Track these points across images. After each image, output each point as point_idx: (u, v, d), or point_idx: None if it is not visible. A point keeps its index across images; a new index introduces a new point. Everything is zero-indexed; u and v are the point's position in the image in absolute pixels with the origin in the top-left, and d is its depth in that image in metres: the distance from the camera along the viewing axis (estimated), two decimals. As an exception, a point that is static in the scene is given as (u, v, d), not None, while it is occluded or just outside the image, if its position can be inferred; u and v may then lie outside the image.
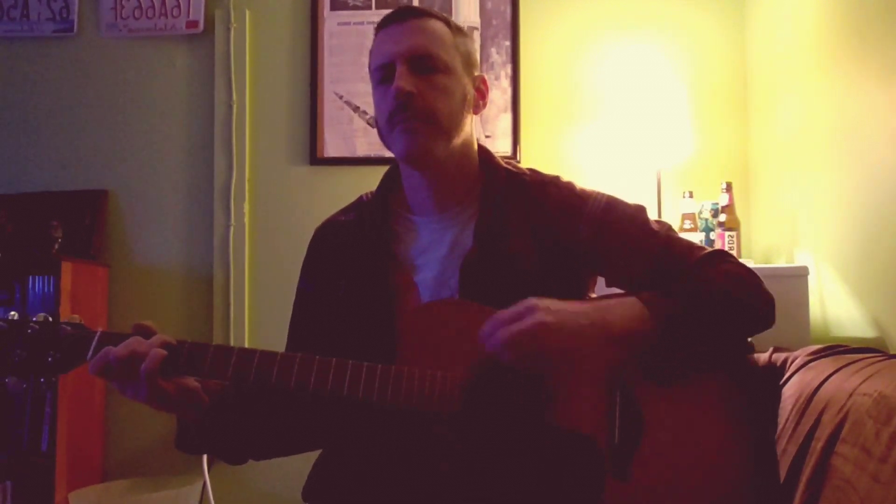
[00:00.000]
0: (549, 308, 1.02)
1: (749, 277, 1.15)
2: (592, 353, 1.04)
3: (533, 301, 1.03)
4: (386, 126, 1.19)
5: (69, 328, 1.08)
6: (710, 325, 1.10)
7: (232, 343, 2.55)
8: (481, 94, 1.27)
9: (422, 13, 1.22)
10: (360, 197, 1.34)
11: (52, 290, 2.33)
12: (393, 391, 1.05)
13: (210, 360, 1.06)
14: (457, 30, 1.24)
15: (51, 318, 1.10)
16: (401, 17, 1.20)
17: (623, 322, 1.05)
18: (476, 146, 1.28)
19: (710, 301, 1.10)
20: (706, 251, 1.18)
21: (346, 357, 1.07)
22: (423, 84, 1.16)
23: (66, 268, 2.35)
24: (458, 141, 1.21)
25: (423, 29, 1.19)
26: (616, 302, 1.08)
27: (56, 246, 2.48)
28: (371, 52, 1.24)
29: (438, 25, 1.21)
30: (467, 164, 1.25)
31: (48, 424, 2.28)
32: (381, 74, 1.19)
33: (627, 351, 1.06)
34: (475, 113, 1.26)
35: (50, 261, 2.36)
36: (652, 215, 1.24)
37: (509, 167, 1.28)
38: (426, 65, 1.17)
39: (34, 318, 1.09)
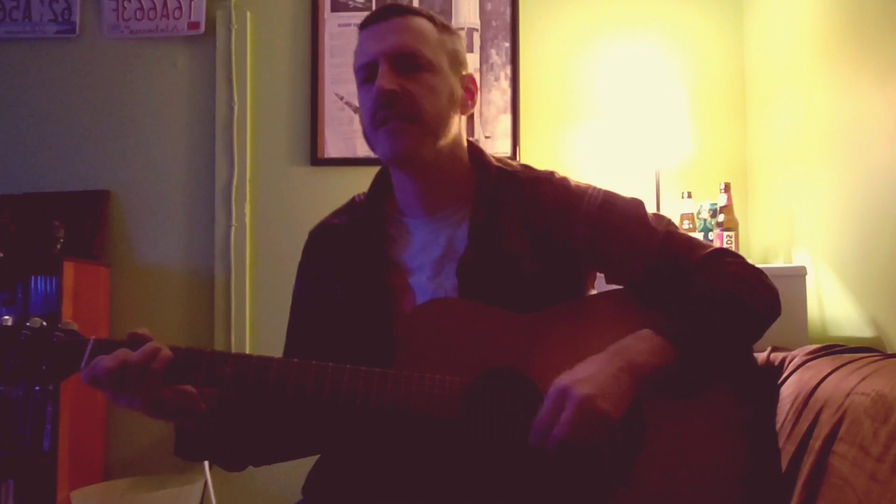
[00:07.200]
0: (580, 380, 0.99)
1: (752, 275, 1.13)
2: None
3: (562, 381, 0.99)
4: (370, 126, 1.16)
5: (62, 335, 1.05)
6: (723, 336, 1.08)
7: (233, 343, 2.57)
8: (470, 93, 1.22)
9: (405, 10, 1.17)
10: (353, 198, 1.30)
11: (53, 290, 2.34)
12: (391, 395, 1.04)
13: (205, 368, 1.04)
14: (443, 27, 1.20)
15: (45, 323, 1.05)
16: (384, 16, 1.16)
17: (648, 359, 1.02)
18: (465, 145, 1.24)
19: (719, 311, 1.08)
20: (706, 251, 1.16)
21: (346, 362, 1.05)
22: (407, 83, 1.12)
23: (68, 268, 2.36)
24: (445, 141, 1.17)
25: (407, 27, 1.15)
26: (632, 340, 1.05)
27: (58, 246, 2.48)
28: (355, 52, 1.20)
29: (423, 23, 1.17)
30: (457, 164, 1.22)
31: (50, 423, 2.29)
32: (365, 74, 1.16)
33: (651, 381, 1.04)
34: (464, 113, 1.21)
35: (52, 261, 2.37)
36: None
37: (501, 164, 1.24)
38: (410, 63, 1.13)
39: (28, 323, 1.05)
